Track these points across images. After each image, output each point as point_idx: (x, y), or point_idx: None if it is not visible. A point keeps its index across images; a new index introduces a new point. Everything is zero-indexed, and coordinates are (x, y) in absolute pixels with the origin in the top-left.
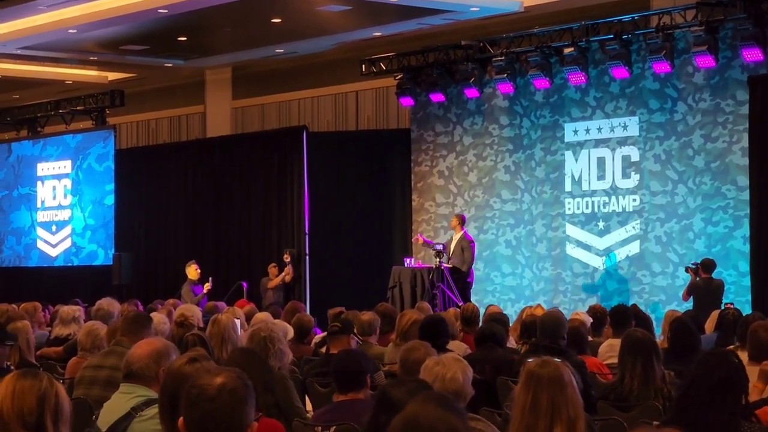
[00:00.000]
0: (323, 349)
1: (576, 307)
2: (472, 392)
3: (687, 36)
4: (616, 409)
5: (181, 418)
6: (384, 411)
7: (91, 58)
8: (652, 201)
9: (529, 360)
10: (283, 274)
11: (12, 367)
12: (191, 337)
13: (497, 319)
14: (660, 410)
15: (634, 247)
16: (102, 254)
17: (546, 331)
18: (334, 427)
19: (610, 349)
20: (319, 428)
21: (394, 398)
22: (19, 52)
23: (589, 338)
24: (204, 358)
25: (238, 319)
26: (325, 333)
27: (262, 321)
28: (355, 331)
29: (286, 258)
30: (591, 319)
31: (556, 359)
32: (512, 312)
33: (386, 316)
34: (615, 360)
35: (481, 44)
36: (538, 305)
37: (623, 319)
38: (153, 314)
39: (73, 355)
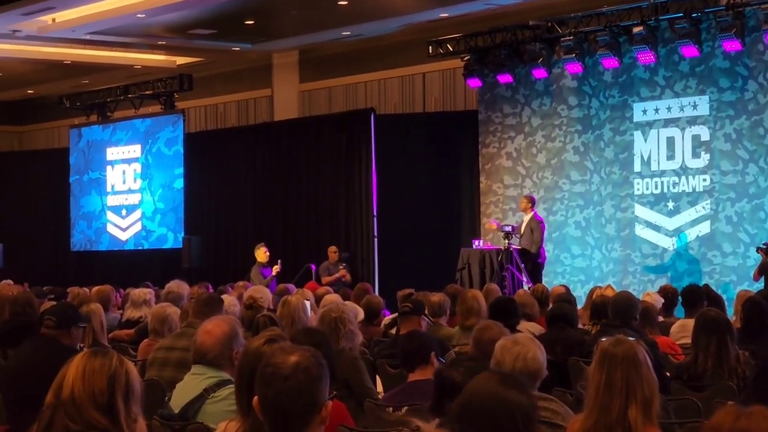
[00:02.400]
0: (393, 331)
1: (645, 288)
2: (546, 372)
3: (757, 13)
4: (690, 389)
5: (256, 397)
6: (446, 393)
7: (159, 42)
8: (722, 180)
9: (603, 339)
10: (338, 275)
11: (85, 350)
12: (262, 319)
13: (565, 299)
14: (734, 390)
15: (704, 227)
16: (171, 238)
17: (618, 312)
18: (406, 408)
19: (682, 329)
20: (391, 408)
21: (453, 379)
22: (88, 37)
23: (661, 318)
24: (281, 338)
25: (308, 300)
26: (394, 314)
27: (333, 302)
28: (426, 312)
29: (334, 253)
30: (662, 300)
31: (630, 338)
32: (581, 293)
33: (456, 298)
34: (687, 340)
35: (549, 24)
36: (608, 286)
37: (695, 299)
38: (223, 296)
39: (144, 338)
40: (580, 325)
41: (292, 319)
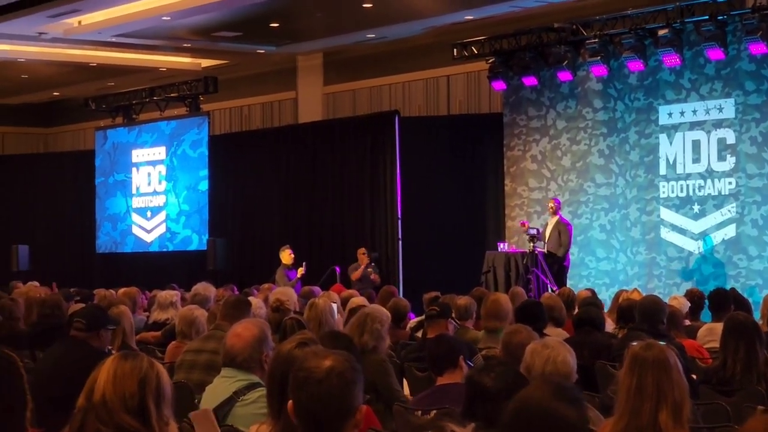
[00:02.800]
0: (418, 334)
1: (671, 292)
2: (577, 376)
3: None
4: (719, 393)
5: (290, 401)
6: (477, 398)
7: (185, 45)
8: (748, 184)
9: (633, 343)
10: (367, 269)
11: (113, 352)
12: (290, 322)
13: (591, 303)
14: (763, 395)
15: (730, 231)
16: (196, 240)
17: (645, 316)
18: (435, 411)
19: (709, 333)
20: (419, 412)
21: (484, 385)
22: (113, 39)
23: (687, 322)
24: (313, 341)
25: (334, 303)
26: (420, 317)
27: (359, 305)
28: (453, 315)
29: (363, 255)
30: (689, 303)
31: (661, 342)
32: (606, 297)
33: (482, 301)
34: (715, 344)
35: (574, 26)
36: (635, 289)
37: (722, 302)
38: (250, 299)
39: (171, 340)
40: (607, 329)
41: (319, 321)
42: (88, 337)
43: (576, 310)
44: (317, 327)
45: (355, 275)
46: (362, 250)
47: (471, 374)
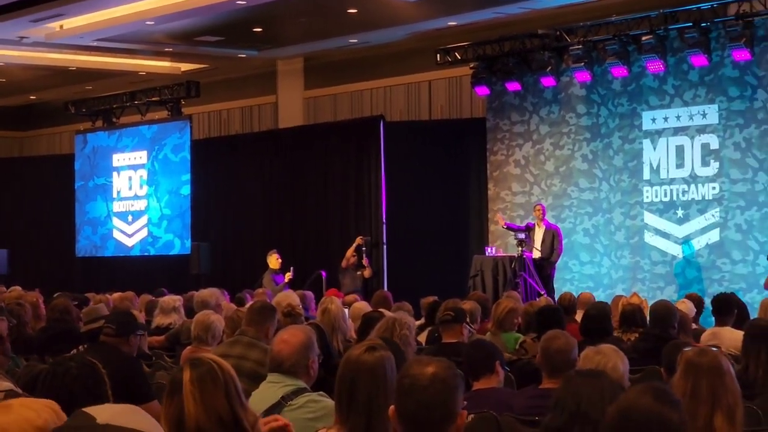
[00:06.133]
0: (420, 337)
1: (655, 296)
2: (629, 383)
3: (767, 23)
4: (742, 397)
5: (392, 407)
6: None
7: (166, 49)
8: (731, 189)
9: (686, 349)
10: (351, 256)
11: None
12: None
13: (600, 306)
14: None
15: (713, 235)
16: (178, 244)
17: (657, 320)
18: (473, 415)
19: (713, 337)
20: None
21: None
22: (95, 44)
23: (693, 326)
24: (381, 347)
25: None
26: (418, 321)
27: (361, 310)
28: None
29: (360, 242)
30: (695, 309)
31: (713, 348)
32: None
33: (481, 305)
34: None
35: (558, 33)
36: (634, 294)
37: (727, 307)
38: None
39: (175, 344)
40: None
41: (332, 327)
42: (118, 342)
43: (577, 314)
44: (330, 332)
45: (344, 264)
46: (353, 253)
47: (567, 380)
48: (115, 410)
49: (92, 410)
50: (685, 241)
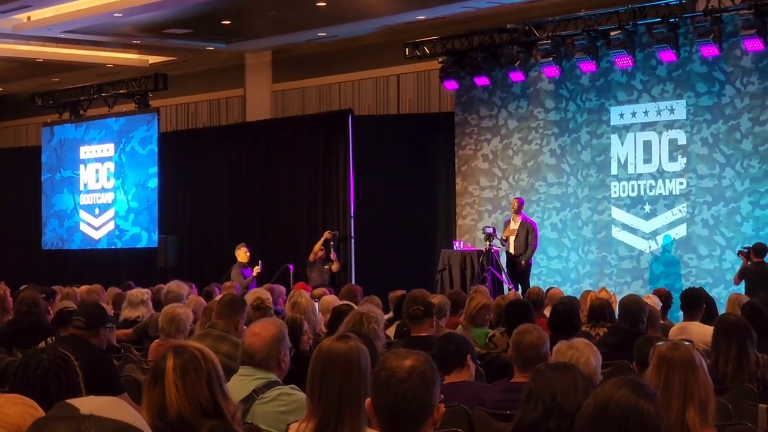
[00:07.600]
0: (388, 331)
1: (622, 291)
2: (601, 377)
3: (735, 19)
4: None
5: (369, 400)
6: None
7: (134, 41)
8: (699, 184)
9: (659, 343)
10: (318, 250)
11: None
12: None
13: (568, 302)
14: (755, 393)
15: (680, 230)
16: (145, 237)
17: (627, 314)
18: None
19: (681, 331)
20: None
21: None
22: (63, 36)
23: (660, 321)
24: (355, 338)
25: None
26: (387, 315)
27: (331, 303)
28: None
29: (328, 236)
30: (661, 303)
31: (685, 342)
32: None
33: (454, 301)
34: None
35: (527, 27)
36: (603, 288)
37: (695, 302)
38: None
39: (143, 338)
40: None
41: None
42: (87, 335)
43: (545, 309)
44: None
45: (312, 257)
46: (321, 247)
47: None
48: (99, 402)
49: (76, 402)
50: (653, 236)
